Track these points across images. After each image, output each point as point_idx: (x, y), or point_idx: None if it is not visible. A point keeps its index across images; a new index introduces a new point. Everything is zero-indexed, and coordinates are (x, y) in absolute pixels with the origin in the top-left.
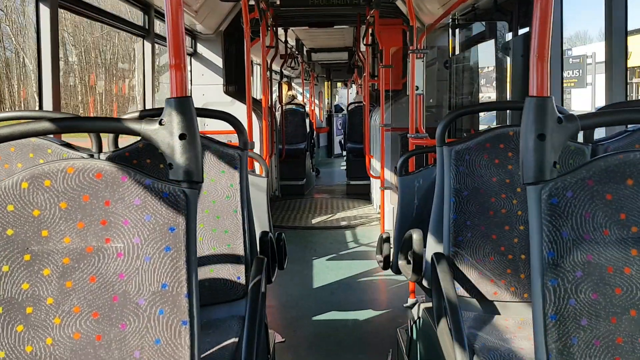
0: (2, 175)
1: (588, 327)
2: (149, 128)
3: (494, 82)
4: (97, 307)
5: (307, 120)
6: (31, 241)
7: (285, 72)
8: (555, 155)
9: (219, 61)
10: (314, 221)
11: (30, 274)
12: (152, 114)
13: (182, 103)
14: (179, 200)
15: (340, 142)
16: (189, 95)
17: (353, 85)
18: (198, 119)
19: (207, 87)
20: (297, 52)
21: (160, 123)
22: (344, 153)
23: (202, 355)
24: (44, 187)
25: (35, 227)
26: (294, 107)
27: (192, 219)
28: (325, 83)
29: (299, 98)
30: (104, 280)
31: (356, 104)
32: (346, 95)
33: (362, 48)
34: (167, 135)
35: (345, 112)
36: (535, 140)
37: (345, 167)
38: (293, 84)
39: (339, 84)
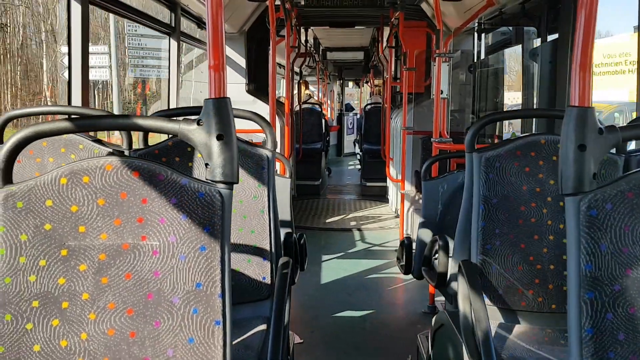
0: (34, 169)
1: (625, 342)
2: (187, 128)
3: (520, 88)
4: (132, 304)
5: (323, 120)
6: (68, 236)
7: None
8: (595, 166)
9: (241, 60)
10: (330, 221)
11: (67, 269)
12: (180, 113)
13: (221, 104)
14: (215, 200)
15: (355, 141)
16: (228, 96)
17: (365, 84)
18: None
19: (229, 85)
20: (314, 51)
21: (198, 123)
22: (358, 152)
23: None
24: (83, 183)
25: (72, 223)
26: (310, 106)
27: (227, 219)
28: (337, 82)
29: (314, 97)
30: (139, 278)
31: (373, 105)
32: (355, 94)
33: (385, 49)
34: (205, 135)
35: (355, 111)
36: (575, 150)
37: (355, 167)
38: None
39: (350, 83)
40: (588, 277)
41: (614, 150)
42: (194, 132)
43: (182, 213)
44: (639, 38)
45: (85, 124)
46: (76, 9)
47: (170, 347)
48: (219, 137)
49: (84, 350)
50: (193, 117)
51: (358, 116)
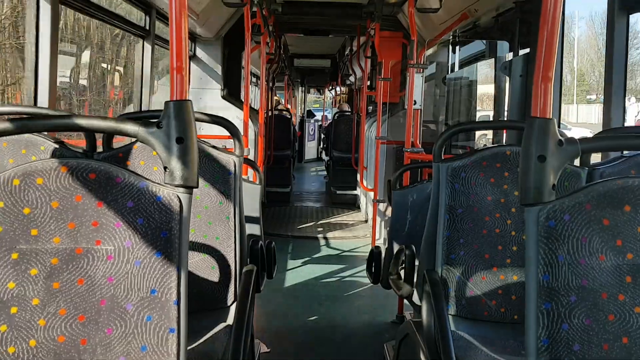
0: None
1: (580, 353)
2: (147, 130)
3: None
4: (84, 310)
5: (292, 127)
6: (20, 239)
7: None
8: (554, 177)
9: (217, 66)
10: (301, 229)
11: (17, 273)
12: (147, 116)
13: (182, 107)
14: (173, 204)
15: (322, 148)
16: (189, 99)
17: (329, 91)
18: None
19: (204, 91)
20: (284, 58)
21: (158, 126)
22: (325, 159)
23: None
24: (36, 185)
25: (24, 226)
26: (278, 113)
27: (185, 224)
28: (300, 88)
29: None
30: (92, 283)
31: (342, 113)
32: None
33: (361, 59)
34: (165, 138)
35: (317, 117)
36: (535, 161)
37: (319, 173)
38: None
39: (311, 90)
40: (545, 287)
41: (577, 163)
42: (153, 134)
43: (138, 217)
44: (606, 49)
45: (36, 124)
46: (45, 8)
47: (122, 354)
48: (178, 140)
49: (32, 357)
50: (153, 120)
51: (320, 123)
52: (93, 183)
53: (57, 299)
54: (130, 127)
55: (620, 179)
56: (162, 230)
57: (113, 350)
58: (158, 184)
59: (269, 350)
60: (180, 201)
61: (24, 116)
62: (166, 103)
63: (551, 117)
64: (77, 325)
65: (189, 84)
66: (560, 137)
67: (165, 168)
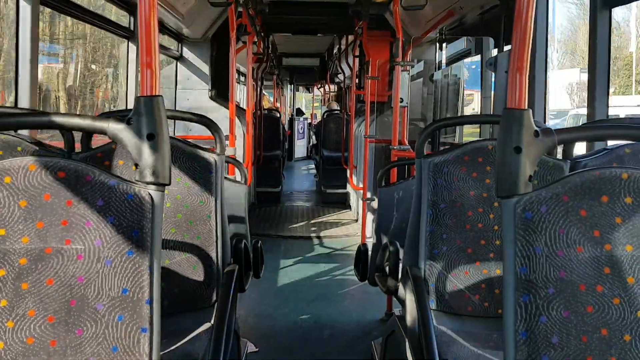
0: None
1: (559, 345)
2: (116, 127)
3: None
4: (53, 311)
5: (281, 126)
6: None
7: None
8: (530, 169)
9: (205, 67)
10: (292, 228)
11: None
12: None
13: (152, 102)
14: (144, 202)
15: (312, 147)
16: (160, 94)
17: (317, 90)
18: (183, 123)
19: (192, 91)
20: (272, 57)
21: (128, 122)
22: (315, 157)
23: None
24: (4, 183)
25: None
26: (270, 112)
27: (157, 222)
28: (289, 87)
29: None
30: (61, 283)
31: (331, 111)
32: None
33: (349, 58)
34: (135, 134)
35: (306, 115)
36: (511, 152)
37: (309, 172)
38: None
39: (300, 88)
40: (523, 280)
41: (560, 156)
42: (123, 131)
43: (109, 215)
44: (589, 42)
45: (6, 121)
46: (25, 8)
47: (93, 355)
48: (149, 137)
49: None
50: (124, 117)
51: (308, 121)
52: (62, 181)
53: (25, 300)
54: (98, 124)
55: (597, 169)
56: (133, 229)
57: (83, 351)
58: (129, 181)
59: (257, 350)
60: (152, 199)
61: None
62: (136, 99)
63: (526, 108)
64: (46, 327)
65: (176, 85)
66: (536, 128)
67: (135, 165)
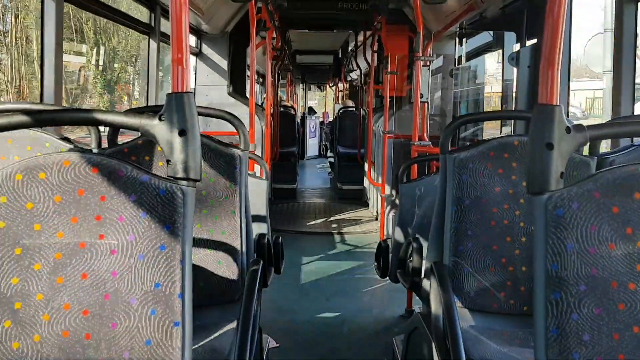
0: None
1: (590, 343)
2: (148, 123)
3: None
4: (88, 305)
5: (297, 123)
6: (23, 234)
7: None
8: (562, 165)
9: (224, 63)
10: (310, 224)
11: (21, 268)
12: (154, 110)
13: (183, 99)
14: (176, 198)
15: (326, 144)
16: (191, 91)
17: (329, 87)
18: (201, 118)
19: (211, 87)
20: (288, 54)
21: (160, 118)
22: (330, 155)
23: (194, 359)
24: (39, 179)
25: (27, 220)
26: (283, 109)
27: (188, 217)
28: (300, 85)
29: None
30: (95, 277)
31: (346, 109)
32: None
33: (367, 53)
34: (167, 130)
35: (317, 114)
36: (542, 149)
37: (324, 169)
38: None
39: (311, 86)
40: (554, 277)
41: (587, 152)
42: (156, 127)
43: (141, 211)
44: (614, 37)
45: (40, 118)
46: (50, 5)
47: (126, 349)
48: (181, 133)
49: (36, 352)
50: (155, 113)
51: (320, 119)
52: (95, 177)
53: (60, 293)
54: (132, 120)
55: (629, 166)
56: (165, 224)
57: (117, 345)
58: (161, 177)
59: (278, 345)
60: (183, 194)
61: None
62: (168, 95)
63: (558, 103)
64: (81, 320)
65: (195, 81)
66: (567, 124)
67: (167, 161)
